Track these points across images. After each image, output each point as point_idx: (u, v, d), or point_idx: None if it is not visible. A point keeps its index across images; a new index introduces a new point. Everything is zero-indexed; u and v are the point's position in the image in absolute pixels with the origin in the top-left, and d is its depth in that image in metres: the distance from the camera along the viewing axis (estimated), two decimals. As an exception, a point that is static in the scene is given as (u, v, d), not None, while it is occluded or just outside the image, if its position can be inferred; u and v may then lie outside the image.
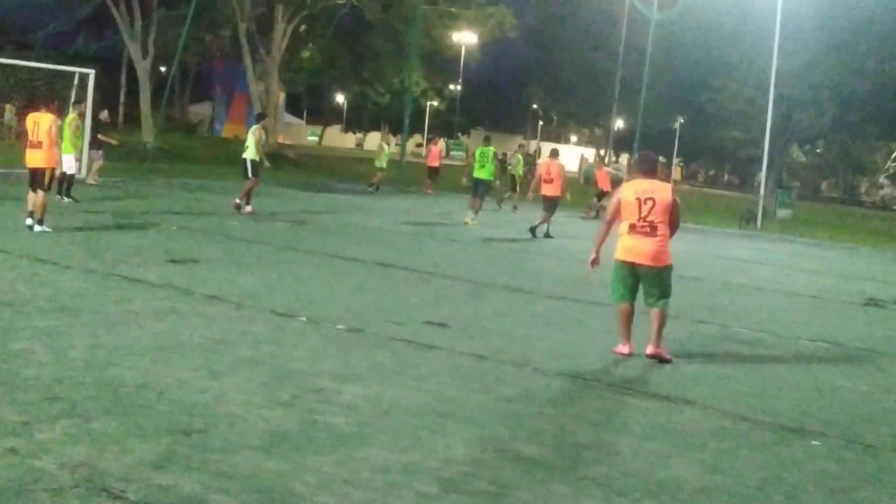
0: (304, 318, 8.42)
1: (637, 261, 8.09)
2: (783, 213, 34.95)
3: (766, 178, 35.05)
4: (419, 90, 75.76)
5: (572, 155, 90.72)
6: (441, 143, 38.49)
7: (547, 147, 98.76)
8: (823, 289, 15.37)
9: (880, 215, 60.65)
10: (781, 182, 54.01)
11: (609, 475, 5.05)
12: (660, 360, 8.04)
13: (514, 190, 28.12)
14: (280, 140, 50.24)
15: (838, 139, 69.44)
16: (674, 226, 8.13)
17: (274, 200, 20.99)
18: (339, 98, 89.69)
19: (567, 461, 5.23)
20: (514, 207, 26.70)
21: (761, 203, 32.53)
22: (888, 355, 9.72)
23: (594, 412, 6.33)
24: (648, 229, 8.01)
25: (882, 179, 69.80)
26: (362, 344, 7.67)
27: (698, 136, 75.59)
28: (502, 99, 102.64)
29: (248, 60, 43.39)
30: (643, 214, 8.01)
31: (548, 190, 19.48)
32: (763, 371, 8.29)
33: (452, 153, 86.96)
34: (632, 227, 8.07)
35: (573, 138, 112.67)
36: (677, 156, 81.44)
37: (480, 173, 21.40)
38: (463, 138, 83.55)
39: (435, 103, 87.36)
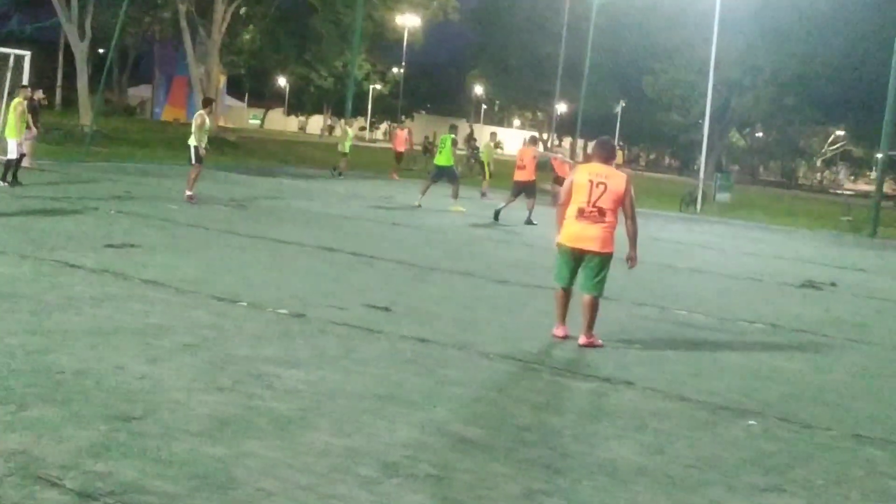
0: (246, 303, 8.37)
1: (582, 246, 8.08)
2: (722, 196, 35.39)
3: (706, 162, 35.52)
4: (362, 73, 75.49)
5: (515, 138, 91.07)
6: (406, 129, 38.06)
7: (489, 131, 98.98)
8: (761, 271, 15.62)
9: (818, 198, 61.69)
10: (721, 166, 54.78)
11: (549, 456, 5.10)
12: (592, 347, 8.03)
13: (483, 176, 28.85)
14: (221, 123, 49.72)
15: (776, 123, 70.49)
16: (629, 215, 8.10)
17: (215, 184, 20.79)
18: (282, 81, 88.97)
19: (508, 443, 5.27)
20: (483, 194, 26.74)
21: (701, 186, 32.97)
22: (824, 336, 9.91)
23: (536, 394, 6.38)
24: (597, 214, 7.98)
25: (838, 166, 70.97)
26: (305, 329, 7.64)
27: (640, 120, 76.34)
28: (445, 82, 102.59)
29: (187, 43, 42.87)
30: (593, 199, 7.98)
31: (520, 175, 19.97)
32: (702, 352, 8.41)
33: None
34: (580, 212, 8.03)
35: (516, 122, 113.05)
36: (619, 139, 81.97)
37: (439, 160, 22.13)
38: (406, 122, 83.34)
39: (378, 86, 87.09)
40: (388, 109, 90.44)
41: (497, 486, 4.59)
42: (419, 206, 20.73)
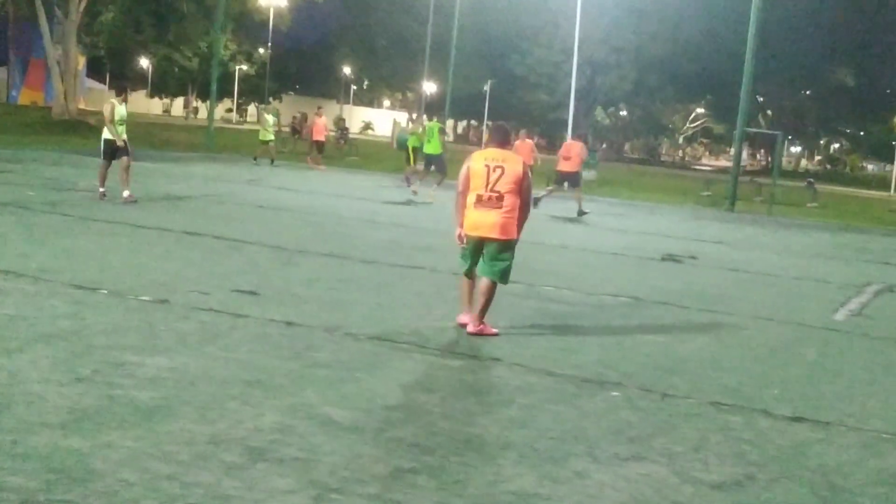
0: (106, 291, 8.14)
1: (483, 234, 7.96)
2: (588, 174, 36.00)
3: (574, 136, 36.06)
4: (228, 54, 74.11)
5: (385, 120, 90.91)
6: (324, 115, 35.08)
7: (358, 112, 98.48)
8: (625, 246, 16.00)
9: (680, 174, 63.48)
10: (587, 144, 55.71)
11: (417, 435, 5.12)
12: (482, 335, 7.85)
13: (408, 163, 26.32)
14: (81, 106, 48.17)
15: (639, 101, 72.17)
16: (523, 202, 7.98)
17: (76, 169, 20.14)
18: (144, 62, 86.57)
19: (377, 423, 5.27)
20: (406, 180, 25.33)
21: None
22: (684, 307, 10.21)
23: (404, 374, 6.39)
24: (495, 200, 7.88)
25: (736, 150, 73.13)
26: (168, 315, 7.48)
27: (508, 99, 77.06)
28: (314, 63, 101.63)
29: (43, 23, 41.32)
30: (490, 183, 7.89)
31: (565, 166, 21.64)
32: (567, 327, 8.57)
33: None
34: (478, 199, 7.92)
35: (386, 102, 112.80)
36: (488, 118, 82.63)
37: (427, 148, 23.30)
38: (274, 103, 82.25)
39: (244, 67, 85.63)
40: (255, 90, 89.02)
41: (364, 466, 4.59)
42: (416, 193, 22.12)
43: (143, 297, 8.01)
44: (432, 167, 23.18)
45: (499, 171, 7.90)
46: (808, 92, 79.99)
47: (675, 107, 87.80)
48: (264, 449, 4.70)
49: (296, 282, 9.60)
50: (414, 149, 25.65)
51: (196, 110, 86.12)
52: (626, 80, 52.16)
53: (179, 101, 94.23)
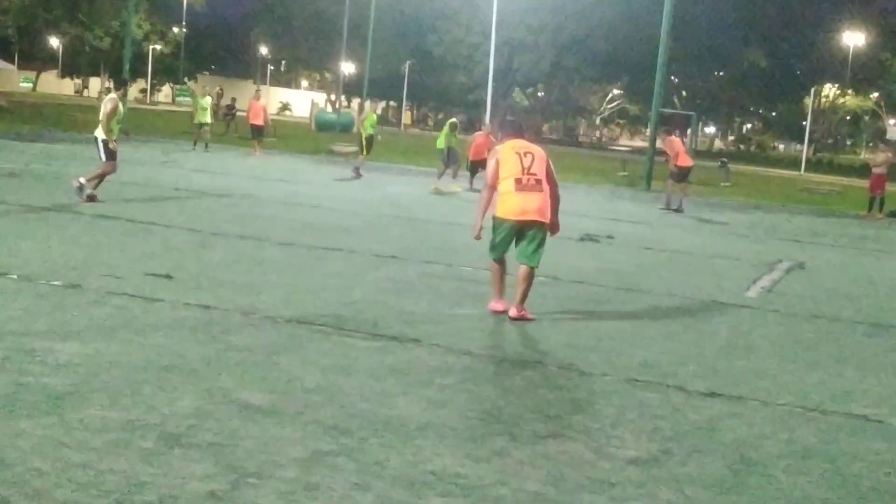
0: (16, 276, 7.94)
1: (527, 218, 7.99)
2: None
3: (491, 122, 36.16)
4: (141, 33, 72.68)
5: (303, 101, 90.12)
6: (263, 98, 33.22)
7: (276, 92, 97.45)
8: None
9: (597, 155, 64.11)
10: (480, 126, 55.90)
11: (336, 417, 5.10)
12: (524, 320, 7.97)
13: (362, 152, 24.72)
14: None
15: (557, 82, 72.67)
16: (554, 186, 8.16)
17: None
18: (54, 42, 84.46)
19: (295, 406, 5.23)
20: (356, 170, 24.00)
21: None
22: (601, 286, 10.33)
23: (322, 356, 6.35)
24: (535, 183, 7.96)
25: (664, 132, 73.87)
26: (80, 300, 7.32)
27: (427, 80, 76.95)
28: (230, 42, 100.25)
29: (-53, 0, 40.03)
30: (526, 166, 7.96)
31: (683, 161, 21.85)
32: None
33: (179, 99, 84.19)
34: (518, 183, 7.95)
35: (304, 83, 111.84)
36: (407, 99, 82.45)
37: (440, 143, 23.68)
38: (190, 83, 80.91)
39: (158, 47, 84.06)
40: (170, 71, 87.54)
41: (282, 450, 4.55)
42: (458, 190, 21.84)
43: (55, 282, 7.83)
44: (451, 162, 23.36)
45: (530, 156, 8.05)
46: (721, 73, 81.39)
47: (593, 88, 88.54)
48: (180, 434, 4.63)
49: (212, 265, 9.47)
50: (368, 137, 24.32)
51: (109, 91, 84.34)
52: (544, 60, 52.45)
53: (95, 81, 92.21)
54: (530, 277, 8.07)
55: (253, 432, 4.76)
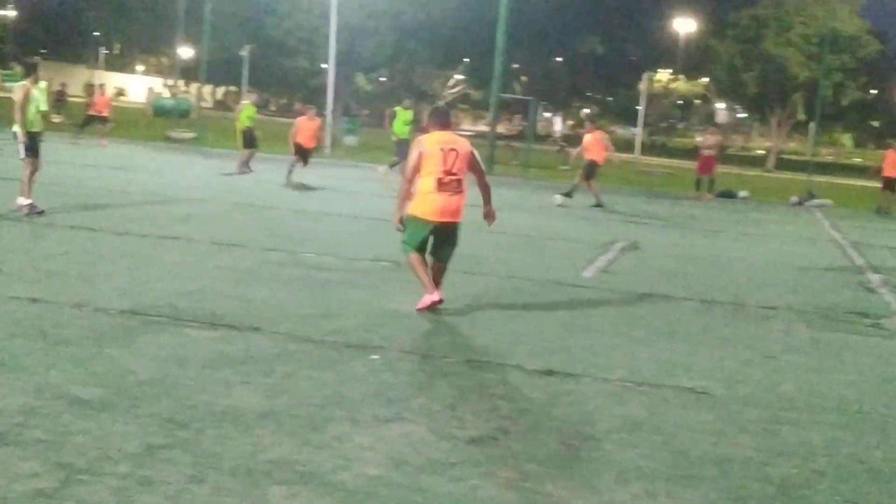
0: None
1: (446, 220, 7.95)
2: (350, 139, 36.17)
3: (334, 107, 35.98)
4: (-37, 15, 69.13)
5: (140, 86, 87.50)
6: (109, 89, 29.82)
7: (111, 77, 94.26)
8: (386, 211, 16.08)
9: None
10: (349, 110, 55.75)
11: (172, 409, 4.99)
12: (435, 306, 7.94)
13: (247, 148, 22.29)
14: None
15: (400, 67, 72.73)
16: (482, 178, 8.19)
17: None
18: None
19: (129, 400, 5.09)
20: (244, 164, 22.05)
21: (330, 131, 33.42)
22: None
23: (159, 348, 6.20)
24: (456, 184, 7.86)
25: (556, 119, 74.07)
26: None
27: (268, 65, 75.65)
28: (62, 26, 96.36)
29: None
30: (449, 166, 7.82)
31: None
32: (329, 293, 8.57)
33: (6, 83, 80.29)
34: (439, 183, 7.81)
35: (140, 68, 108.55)
36: (248, 84, 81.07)
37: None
38: (18, 68, 77.30)
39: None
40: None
41: (115, 444, 4.43)
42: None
43: None
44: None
45: (453, 154, 7.88)
46: (559, 59, 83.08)
47: (435, 73, 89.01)
48: (6, 432, 4.46)
49: (41, 256, 9.12)
50: (246, 131, 22.30)
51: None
52: (386, 45, 52.30)
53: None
54: (443, 273, 8.21)
55: (84, 428, 4.61)
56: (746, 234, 18.06)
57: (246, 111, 22.86)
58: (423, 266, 8.09)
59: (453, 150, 7.93)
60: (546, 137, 64.86)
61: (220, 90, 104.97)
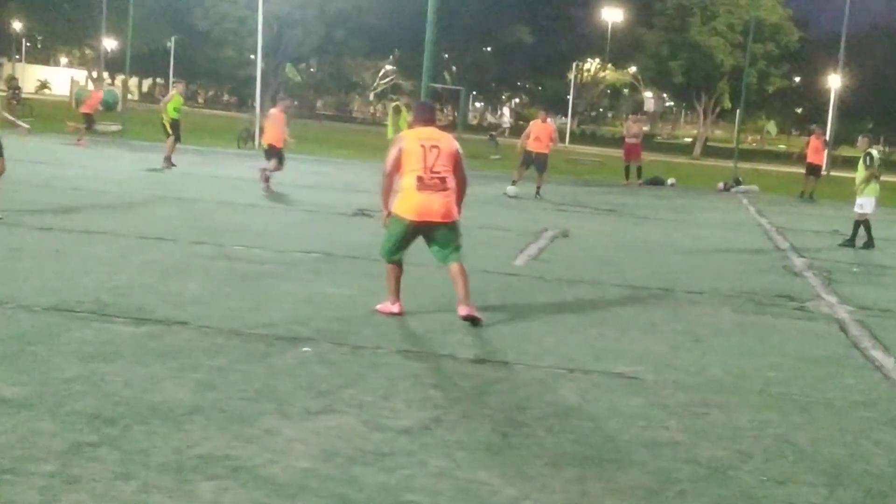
0: None
1: (428, 219, 7.50)
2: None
3: (262, 98, 35.66)
4: None
5: (63, 78, 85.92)
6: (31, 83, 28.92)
7: (33, 70, 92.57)
8: (317, 202, 16.04)
9: (371, 130, 64.32)
10: (277, 101, 55.25)
11: (98, 406, 4.90)
12: (473, 320, 7.44)
13: (172, 137, 21.26)
14: None
15: (328, 58, 72.33)
16: (461, 179, 7.66)
17: None
18: None
19: (53, 398, 4.99)
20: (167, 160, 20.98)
21: (258, 123, 33.06)
22: (373, 261, 10.32)
23: (84, 344, 6.09)
24: (439, 182, 7.44)
25: (504, 110, 73.95)
26: None
27: (195, 56, 74.74)
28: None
29: None
30: (430, 164, 7.42)
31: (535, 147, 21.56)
32: (258, 286, 8.49)
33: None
34: (420, 181, 7.41)
35: (63, 60, 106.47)
36: (174, 76, 79.94)
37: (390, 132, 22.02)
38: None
39: None
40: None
41: (40, 443, 4.34)
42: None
43: None
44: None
45: (435, 150, 7.49)
46: (489, 49, 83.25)
47: (365, 63, 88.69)
48: (-76, 435, 4.34)
49: (-39, 253, 8.90)
50: (173, 122, 21.40)
51: None
52: (313, 35, 52.02)
53: None
54: (463, 272, 7.62)
55: (8, 427, 4.52)
56: (674, 220, 18.31)
57: (172, 102, 22.15)
58: (395, 275, 7.76)
59: (435, 146, 7.54)
60: (478, 127, 65.04)
61: (147, 82, 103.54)
